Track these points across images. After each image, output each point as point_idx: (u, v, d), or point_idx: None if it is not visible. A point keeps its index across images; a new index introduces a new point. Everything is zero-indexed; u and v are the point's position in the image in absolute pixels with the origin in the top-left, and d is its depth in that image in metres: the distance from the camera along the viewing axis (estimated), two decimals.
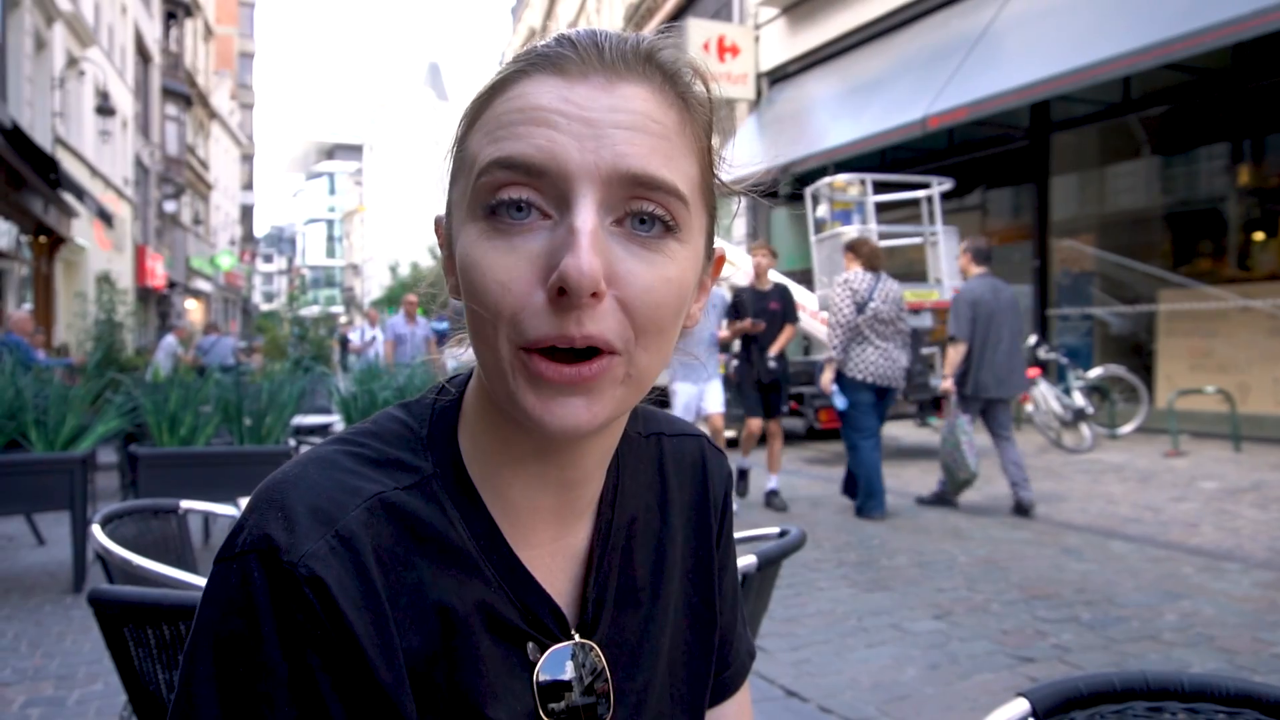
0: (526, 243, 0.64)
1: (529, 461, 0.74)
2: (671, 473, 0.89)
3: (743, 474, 7.51)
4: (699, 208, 0.71)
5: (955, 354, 6.73)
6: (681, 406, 6.79)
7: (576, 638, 0.76)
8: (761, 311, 7.01)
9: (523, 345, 0.64)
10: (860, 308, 6.49)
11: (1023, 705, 1.01)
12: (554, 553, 0.78)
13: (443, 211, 0.75)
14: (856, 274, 6.63)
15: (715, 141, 0.74)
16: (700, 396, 6.89)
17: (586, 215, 0.62)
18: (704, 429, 5.55)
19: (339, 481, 0.69)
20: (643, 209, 0.65)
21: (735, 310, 7.09)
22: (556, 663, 0.75)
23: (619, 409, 0.68)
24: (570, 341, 0.63)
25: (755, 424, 7.09)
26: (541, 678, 0.74)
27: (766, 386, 7.10)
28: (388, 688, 0.65)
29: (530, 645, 0.74)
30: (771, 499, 7.10)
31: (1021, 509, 6.58)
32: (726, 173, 0.78)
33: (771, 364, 7.09)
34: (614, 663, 0.78)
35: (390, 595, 0.67)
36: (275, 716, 0.62)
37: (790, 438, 11.54)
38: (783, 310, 7.15)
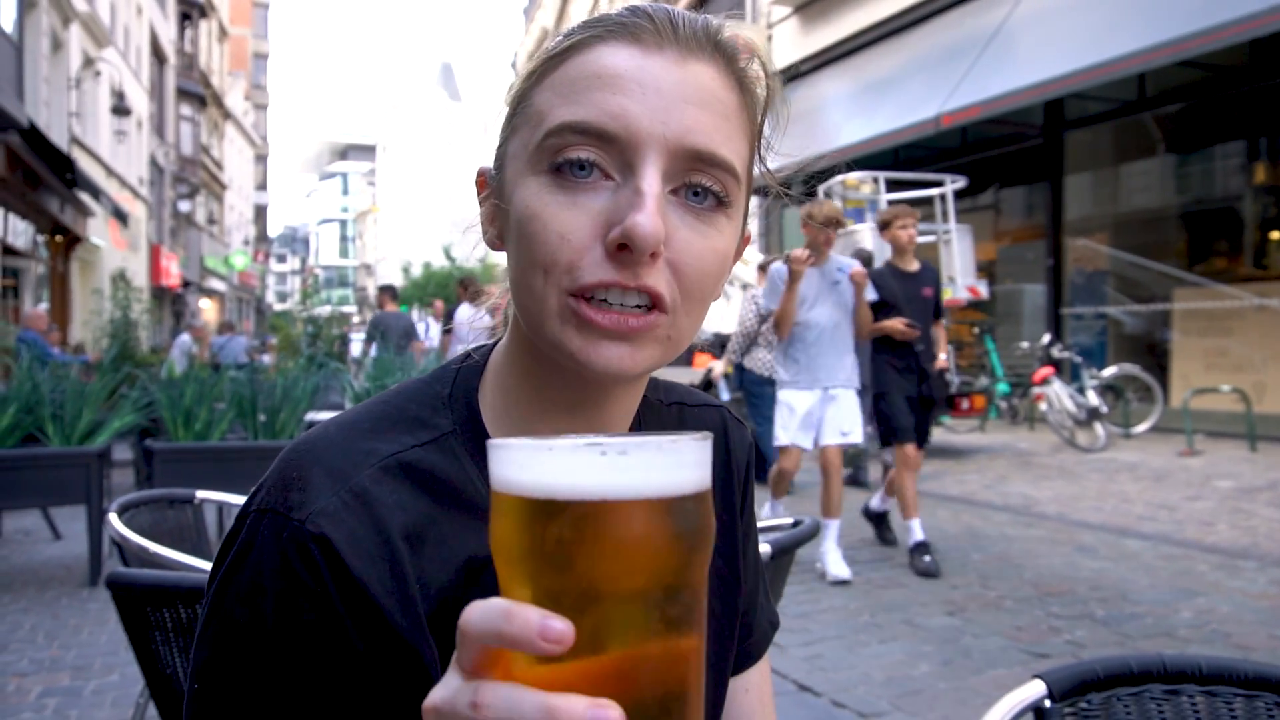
0: (589, 199, 0.67)
1: (557, 414, 0.77)
2: None
3: (881, 517, 5.94)
4: (745, 185, 0.74)
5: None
6: (796, 425, 5.16)
7: None
8: (913, 300, 5.47)
9: (574, 290, 0.67)
10: (763, 319, 7.44)
11: (1039, 687, 1.01)
12: None
13: (489, 164, 0.78)
14: (763, 290, 6.88)
15: (766, 127, 0.78)
16: (821, 416, 5.16)
17: (652, 180, 0.66)
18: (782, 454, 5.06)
19: (357, 443, 0.72)
20: (700, 182, 0.69)
21: (879, 300, 5.45)
22: None
23: (655, 363, 0.71)
24: (624, 287, 0.66)
25: (913, 452, 5.38)
26: None
27: (924, 401, 5.50)
28: (404, 633, 0.67)
29: None
30: (923, 555, 5.16)
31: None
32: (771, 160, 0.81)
33: (948, 375, 5.71)
34: None
35: (410, 548, 0.69)
36: (266, 665, 0.65)
37: None
38: (936, 299, 5.68)
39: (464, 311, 9.55)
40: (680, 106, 0.67)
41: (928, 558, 5.11)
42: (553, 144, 0.67)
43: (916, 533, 5.23)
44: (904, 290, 5.42)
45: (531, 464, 0.47)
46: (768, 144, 0.79)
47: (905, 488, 5.30)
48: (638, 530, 0.46)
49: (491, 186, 0.77)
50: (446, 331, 10.52)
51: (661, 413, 0.90)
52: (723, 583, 0.89)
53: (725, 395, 7.69)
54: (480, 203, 0.79)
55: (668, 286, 0.68)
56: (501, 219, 0.74)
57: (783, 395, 5.25)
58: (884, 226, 5.56)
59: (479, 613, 0.45)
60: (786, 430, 5.18)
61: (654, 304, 0.68)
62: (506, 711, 0.44)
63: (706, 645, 0.85)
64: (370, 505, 0.68)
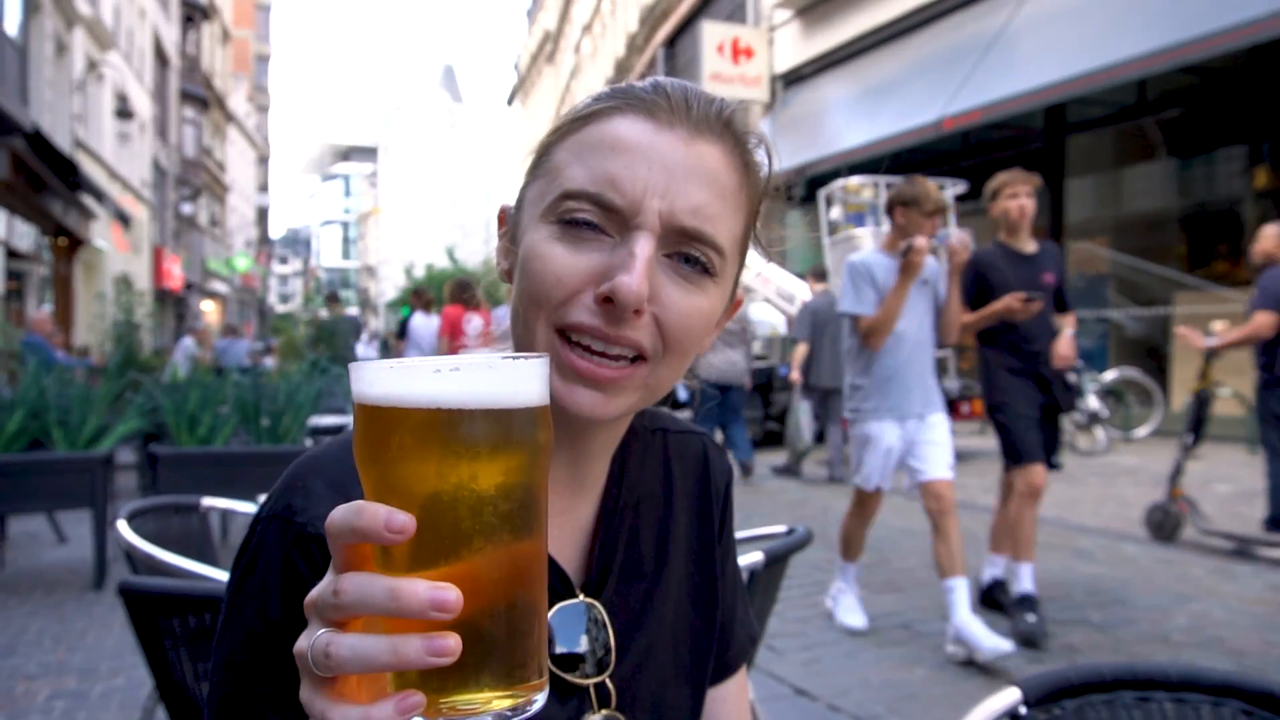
0: (588, 252, 0.74)
1: None
2: (675, 464, 0.97)
3: (995, 588, 4.53)
4: (734, 258, 0.82)
5: (799, 353, 8.34)
6: (887, 464, 4.09)
7: (581, 596, 0.84)
8: (1030, 288, 4.24)
9: (560, 326, 0.74)
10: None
11: (1014, 694, 1.05)
12: (563, 525, 0.86)
13: (511, 203, 0.86)
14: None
15: (763, 206, 0.85)
16: (916, 442, 4.07)
17: (645, 245, 0.73)
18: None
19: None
20: (689, 253, 0.75)
21: (979, 284, 4.32)
22: (564, 617, 0.83)
23: (630, 409, 0.79)
24: (605, 336, 0.73)
25: (1039, 475, 4.23)
26: (552, 633, 0.82)
27: (1049, 412, 4.38)
28: None
29: None
30: (1026, 613, 4.10)
31: (832, 479, 8.28)
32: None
33: (1071, 378, 4.68)
34: (617, 623, 0.86)
35: None
36: (272, 657, 0.71)
37: None
38: (1060, 285, 4.51)
39: (418, 319, 9.69)
40: (680, 183, 0.74)
41: (1032, 616, 4.03)
42: (563, 205, 0.75)
43: (1025, 582, 4.17)
44: (1019, 275, 4.26)
45: (379, 379, 0.54)
46: (764, 220, 0.86)
47: (1024, 523, 4.24)
48: (465, 434, 0.52)
49: (510, 224, 0.84)
50: (400, 337, 10.88)
51: (645, 439, 0.95)
52: (700, 597, 0.95)
53: (683, 395, 8.15)
54: (500, 236, 0.86)
55: (650, 339, 0.74)
56: (512, 256, 0.81)
57: (867, 428, 4.11)
58: (991, 197, 4.44)
59: (339, 513, 0.52)
60: (875, 475, 4.11)
61: (637, 356, 0.75)
62: (359, 594, 0.51)
63: (682, 653, 0.90)
64: None
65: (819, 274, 9.02)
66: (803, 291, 9.35)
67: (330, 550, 0.54)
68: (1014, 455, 4.31)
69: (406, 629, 0.51)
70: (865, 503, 4.30)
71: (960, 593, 3.83)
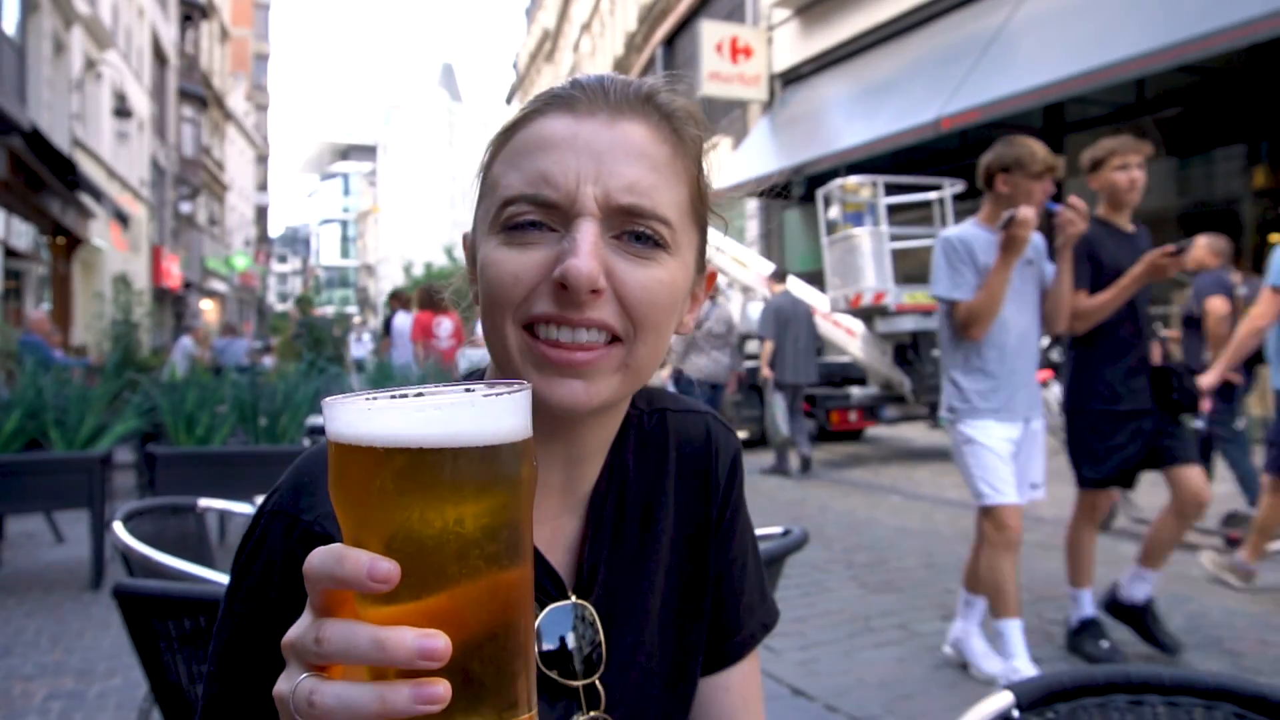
0: (537, 249, 0.75)
1: (538, 440, 0.80)
2: (674, 447, 0.96)
3: (1140, 612, 3.94)
4: (687, 227, 0.81)
5: (766, 350, 8.88)
6: (1010, 472, 3.45)
7: (573, 598, 0.84)
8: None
9: (526, 321, 0.75)
10: (698, 326, 7.26)
11: (1007, 697, 1.05)
12: (557, 529, 0.87)
13: (469, 229, 0.87)
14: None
15: (705, 170, 0.85)
16: (1030, 450, 3.60)
17: (588, 229, 0.74)
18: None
19: None
20: (635, 230, 0.76)
21: (1091, 264, 3.67)
22: (555, 619, 0.83)
23: (615, 395, 0.79)
24: (570, 321, 0.74)
25: (1196, 480, 3.70)
26: (541, 637, 0.82)
27: (1174, 406, 3.76)
28: None
29: None
30: (1100, 640, 3.85)
31: (804, 465, 8.94)
32: (737, 177, 0.86)
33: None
34: (607, 621, 0.86)
35: None
36: (270, 651, 0.70)
37: None
38: None
39: (400, 319, 10.24)
40: (610, 164, 0.75)
41: (1105, 643, 3.79)
42: (504, 212, 0.76)
43: (1143, 589, 3.88)
44: (1121, 255, 3.69)
45: (356, 419, 0.51)
46: (709, 185, 0.85)
47: (1081, 547, 3.98)
48: (449, 475, 0.50)
49: (471, 247, 0.86)
50: (385, 335, 11.49)
51: (643, 422, 0.95)
52: (688, 584, 0.94)
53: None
54: (466, 262, 0.88)
55: (617, 318, 0.75)
56: (478, 276, 0.81)
57: (975, 431, 3.48)
58: (1094, 167, 3.89)
59: (318, 558, 0.51)
60: (1001, 482, 3.44)
61: (612, 339, 0.75)
62: (343, 644, 0.50)
63: (670, 646, 0.90)
64: None
65: (779, 276, 9.61)
66: (764, 290, 10.00)
67: (308, 590, 0.52)
68: (1092, 476, 3.90)
69: (393, 675, 0.49)
70: (1002, 525, 3.42)
71: (1014, 633, 3.42)
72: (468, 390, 0.53)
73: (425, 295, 9.64)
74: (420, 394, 0.52)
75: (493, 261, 0.76)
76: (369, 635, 0.49)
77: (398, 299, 11.17)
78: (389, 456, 0.50)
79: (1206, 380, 4.64)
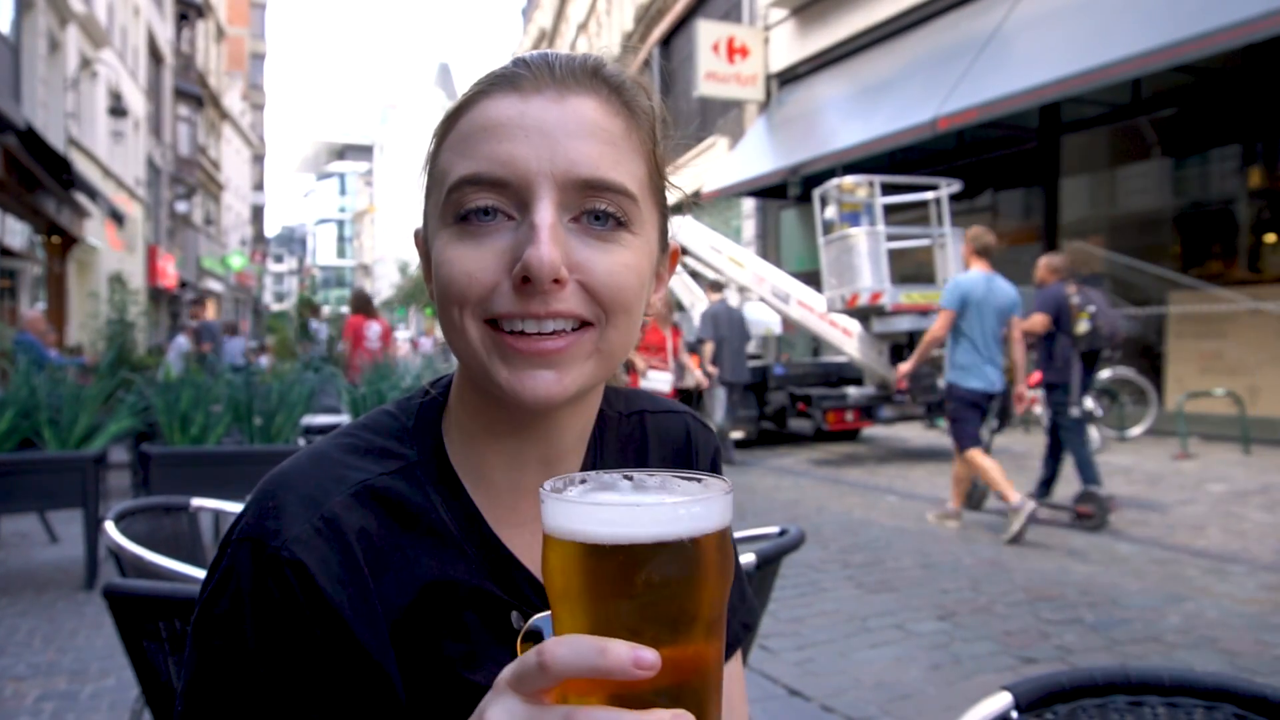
0: (493, 240, 0.71)
1: (509, 439, 0.80)
2: (654, 449, 0.94)
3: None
4: (649, 204, 0.78)
5: (708, 350, 9.74)
6: None
7: None
8: None
9: (489, 318, 0.72)
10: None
11: (1006, 699, 1.04)
12: (536, 531, 0.83)
13: (420, 225, 0.83)
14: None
15: (661, 145, 0.81)
16: None
17: (545, 213, 0.70)
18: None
19: (328, 472, 0.76)
20: (596, 207, 0.72)
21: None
22: (541, 627, 0.80)
23: (589, 382, 0.75)
24: (535, 315, 0.70)
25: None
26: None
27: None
28: (373, 652, 0.71)
29: (514, 614, 0.79)
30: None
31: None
32: (735, 175, 0.84)
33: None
34: None
35: (374, 571, 0.73)
36: (248, 686, 0.69)
37: (798, 440, 11.56)
38: None
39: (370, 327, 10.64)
40: (563, 141, 0.71)
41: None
42: (455, 198, 0.72)
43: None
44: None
45: (617, 519, 0.53)
46: (666, 159, 0.82)
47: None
48: (707, 561, 0.54)
49: (424, 244, 0.82)
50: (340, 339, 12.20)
51: (621, 425, 0.93)
52: None
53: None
54: (420, 260, 0.84)
55: (585, 305, 0.72)
56: (432, 274, 0.78)
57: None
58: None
59: (568, 649, 0.50)
60: None
61: (579, 323, 0.72)
62: None
63: None
64: (341, 531, 0.72)
65: (716, 286, 10.57)
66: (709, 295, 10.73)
67: (525, 677, 0.52)
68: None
69: None
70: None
71: None
72: (699, 481, 0.59)
73: (357, 300, 10.39)
74: (629, 478, 0.57)
75: (446, 259, 0.72)
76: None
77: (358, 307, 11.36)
78: (650, 552, 0.53)
79: (902, 369, 7.27)
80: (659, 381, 8.78)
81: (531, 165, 0.70)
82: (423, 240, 0.82)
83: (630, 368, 7.81)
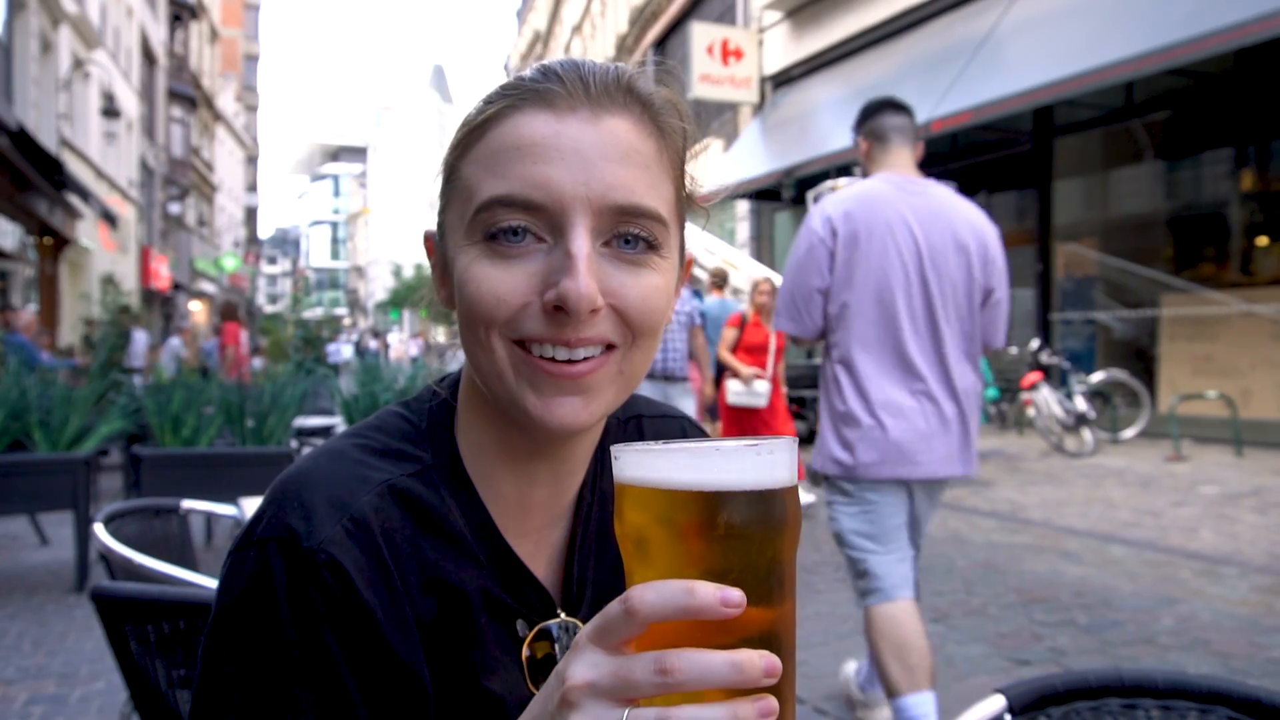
0: (523, 263, 0.70)
1: (522, 459, 0.80)
2: None
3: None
4: (674, 224, 0.77)
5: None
6: None
7: (562, 616, 0.82)
8: None
9: (518, 339, 0.71)
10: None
11: (999, 702, 1.04)
12: (541, 541, 0.84)
13: (433, 228, 0.81)
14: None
15: (689, 164, 0.81)
16: None
17: (581, 242, 0.69)
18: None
19: (350, 471, 0.74)
20: (629, 232, 0.71)
21: None
22: (549, 630, 0.81)
23: (611, 406, 0.75)
24: (566, 343, 0.70)
25: None
26: (530, 654, 0.79)
27: None
28: (405, 658, 0.71)
29: (519, 623, 0.79)
30: None
31: None
32: (725, 176, 0.83)
33: None
34: None
35: (400, 572, 0.72)
36: (294, 695, 0.67)
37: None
38: None
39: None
40: (600, 166, 0.70)
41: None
42: (484, 217, 0.71)
43: None
44: None
45: (703, 464, 0.55)
46: (693, 180, 0.81)
47: None
48: (780, 513, 0.56)
49: (438, 252, 0.80)
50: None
51: (619, 431, 0.93)
52: None
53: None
54: (431, 265, 0.83)
55: (615, 330, 0.72)
56: (449, 283, 0.77)
57: None
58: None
59: (655, 593, 0.51)
60: None
61: (605, 346, 0.72)
62: (698, 670, 0.50)
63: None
64: (370, 532, 0.71)
65: (719, 282, 10.49)
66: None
67: (614, 629, 0.53)
68: None
69: (715, 698, 0.51)
70: None
71: None
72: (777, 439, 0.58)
73: (228, 309, 11.18)
74: (752, 444, 0.57)
75: (473, 278, 0.71)
76: (724, 659, 0.51)
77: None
78: (731, 499, 0.54)
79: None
80: (753, 396, 6.95)
81: (566, 189, 0.69)
82: (438, 248, 0.80)
83: (721, 374, 7.18)
